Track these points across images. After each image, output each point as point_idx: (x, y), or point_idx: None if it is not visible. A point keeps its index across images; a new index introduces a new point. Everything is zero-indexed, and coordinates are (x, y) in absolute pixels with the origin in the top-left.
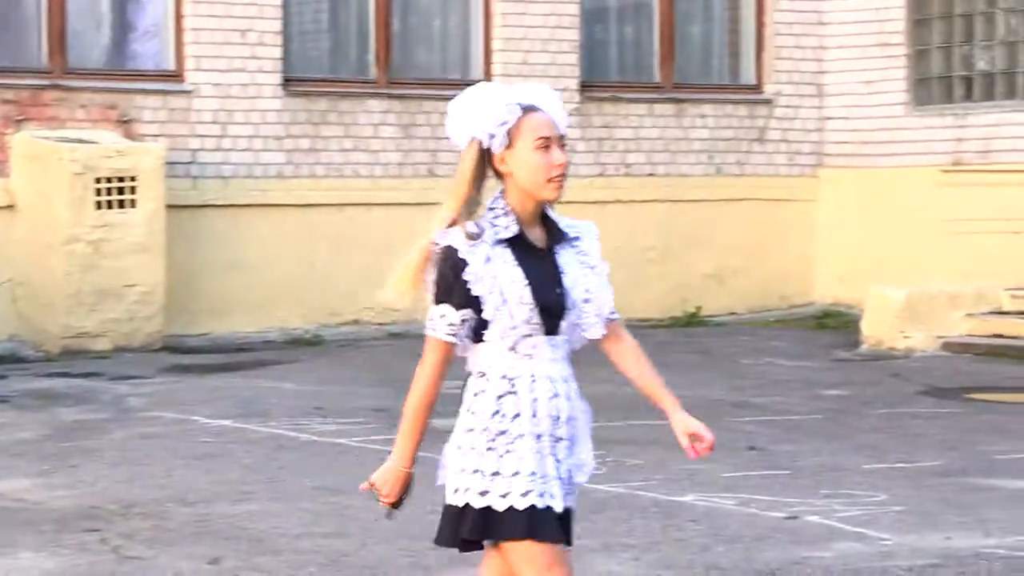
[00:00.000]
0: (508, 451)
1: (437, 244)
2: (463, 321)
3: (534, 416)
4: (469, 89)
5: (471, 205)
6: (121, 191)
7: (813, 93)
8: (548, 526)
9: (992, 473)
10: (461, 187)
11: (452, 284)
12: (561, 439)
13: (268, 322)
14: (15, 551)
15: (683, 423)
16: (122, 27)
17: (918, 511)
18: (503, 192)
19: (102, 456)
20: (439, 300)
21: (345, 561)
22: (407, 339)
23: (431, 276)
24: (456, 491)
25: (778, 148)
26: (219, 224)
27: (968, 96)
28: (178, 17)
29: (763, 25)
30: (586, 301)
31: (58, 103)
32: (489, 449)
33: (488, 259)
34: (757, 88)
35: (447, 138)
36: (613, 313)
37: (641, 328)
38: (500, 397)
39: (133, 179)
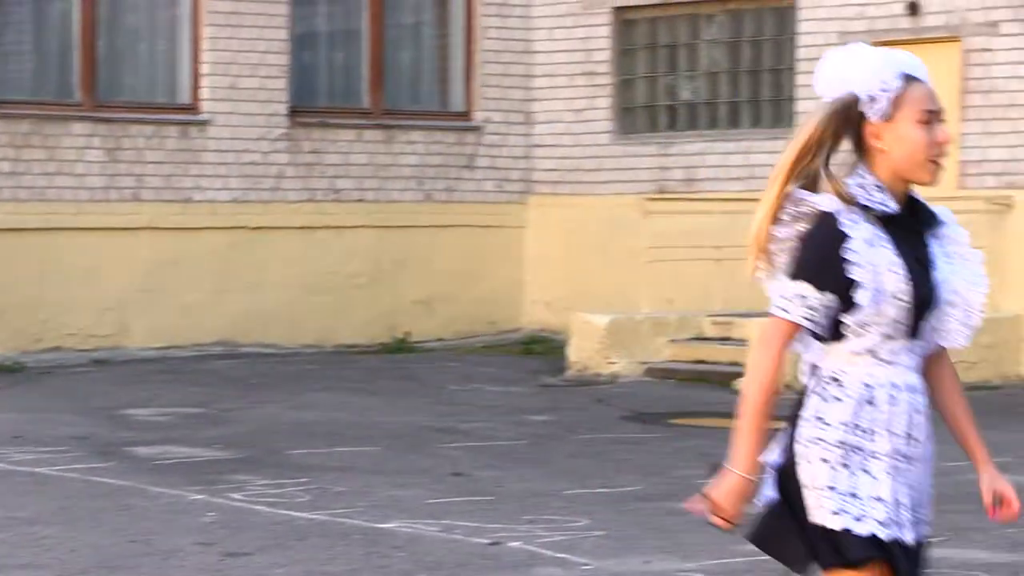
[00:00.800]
0: (864, 470)
1: (804, 201)
2: (824, 307)
3: (892, 433)
4: (851, 45)
5: (806, 174)
6: None
7: (521, 120)
8: (902, 561)
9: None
10: (803, 149)
11: (824, 258)
12: (912, 459)
13: None
14: None
15: (991, 480)
16: None
17: (619, 535)
18: (865, 168)
19: None
20: (798, 275)
21: None
22: (111, 365)
23: (788, 239)
24: (812, 507)
25: (487, 175)
26: None
27: (672, 125)
28: None
29: (472, 53)
30: (951, 303)
31: None
32: (843, 465)
33: (870, 238)
34: (466, 115)
35: (153, 163)
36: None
37: (348, 354)
38: (858, 408)
39: None
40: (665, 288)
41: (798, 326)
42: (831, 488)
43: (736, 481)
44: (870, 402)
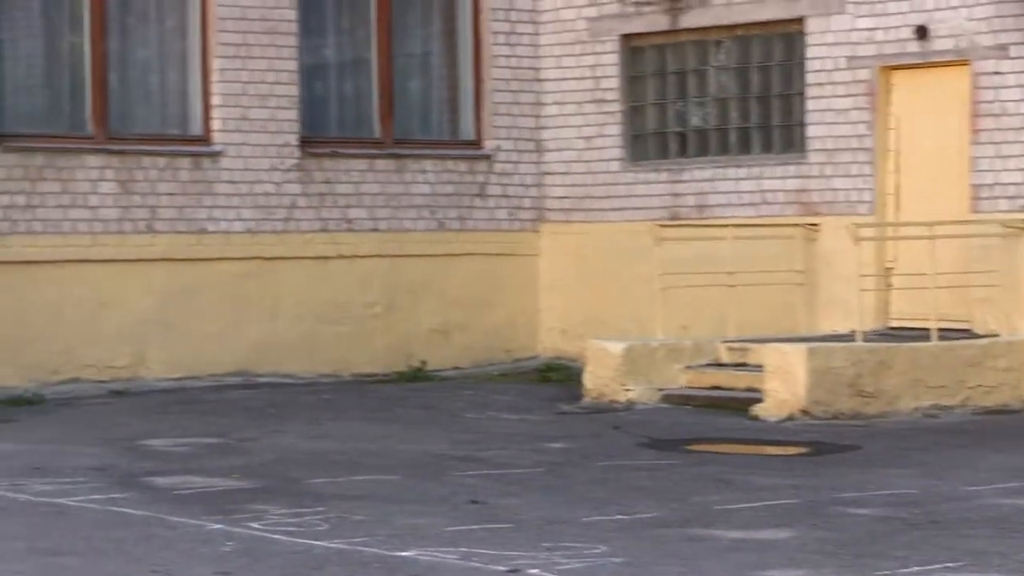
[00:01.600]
0: None
1: None
2: None
3: None
4: None
5: None
6: None
7: (532, 148)
8: None
9: (711, 523)
10: None
11: None
12: None
13: None
14: None
15: None
16: None
17: (637, 562)
18: None
19: None
20: None
21: None
22: (128, 396)
23: None
24: None
25: (499, 203)
26: None
27: (683, 152)
28: None
29: (481, 81)
30: None
31: None
32: None
33: None
34: (477, 144)
35: (166, 194)
36: None
37: (365, 383)
38: None
39: None
40: (679, 314)
41: None
42: None
43: None
44: None
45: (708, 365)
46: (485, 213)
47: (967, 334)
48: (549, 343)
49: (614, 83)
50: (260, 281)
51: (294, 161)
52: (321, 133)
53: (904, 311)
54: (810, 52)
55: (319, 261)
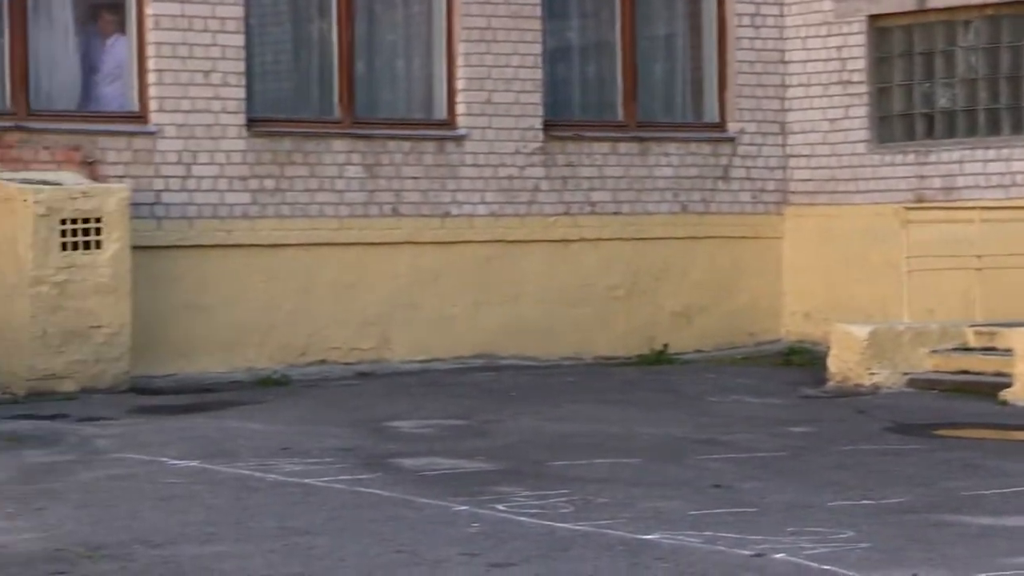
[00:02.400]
0: None
1: None
2: None
3: None
4: None
5: None
6: (86, 232)
7: (776, 131)
8: None
9: (959, 509)
10: None
11: None
12: None
13: (235, 362)
14: None
15: None
16: (86, 69)
17: (884, 548)
18: None
19: (68, 498)
20: None
21: None
22: (373, 378)
23: None
24: None
25: (743, 186)
26: (185, 265)
27: (930, 134)
28: (141, 59)
29: (725, 63)
30: None
31: (22, 145)
32: None
33: None
34: (720, 126)
35: (411, 178)
36: None
37: (608, 366)
38: None
39: (98, 220)
40: (925, 298)
41: None
42: None
43: None
44: None
45: (955, 349)
46: (728, 196)
47: None
48: (792, 326)
49: (860, 64)
50: (503, 264)
51: (537, 144)
52: (564, 116)
53: None
54: None
55: (561, 244)
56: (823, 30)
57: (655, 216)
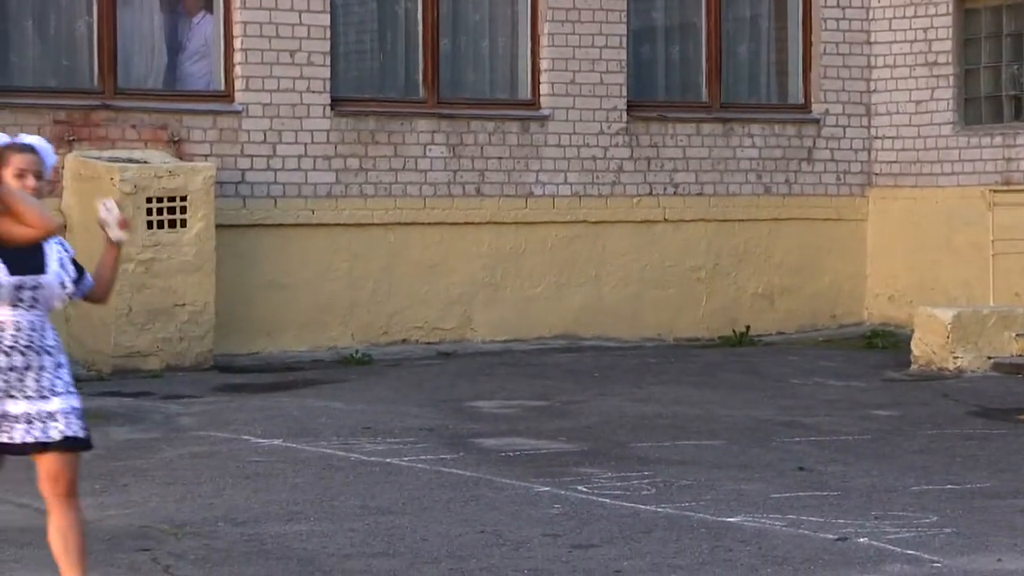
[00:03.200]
0: None
1: None
2: None
3: None
4: None
5: None
6: (172, 211)
7: (861, 112)
8: None
9: None
10: None
11: None
12: None
13: (318, 341)
14: None
15: None
16: (172, 48)
17: (969, 533)
18: None
19: (153, 475)
20: None
21: None
22: (455, 358)
23: None
24: None
25: (827, 168)
26: (269, 243)
27: (1017, 116)
28: (228, 38)
29: (810, 44)
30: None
31: (109, 123)
32: None
33: None
34: (805, 107)
35: (494, 158)
36: None
37: (690, 348)
38: None
39: (183, 199)
40: (1011, 281)
41: None
42: None
43: None
44: None
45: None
46: (812, 178)
47: None
48: (875, 309)
49: (947, 46)
50: (585, 245)
51: (621, 125)
52: (648, 97)
53: None
54: None
55: (644, 225)
56: (910, 11)
57: (738, 197)
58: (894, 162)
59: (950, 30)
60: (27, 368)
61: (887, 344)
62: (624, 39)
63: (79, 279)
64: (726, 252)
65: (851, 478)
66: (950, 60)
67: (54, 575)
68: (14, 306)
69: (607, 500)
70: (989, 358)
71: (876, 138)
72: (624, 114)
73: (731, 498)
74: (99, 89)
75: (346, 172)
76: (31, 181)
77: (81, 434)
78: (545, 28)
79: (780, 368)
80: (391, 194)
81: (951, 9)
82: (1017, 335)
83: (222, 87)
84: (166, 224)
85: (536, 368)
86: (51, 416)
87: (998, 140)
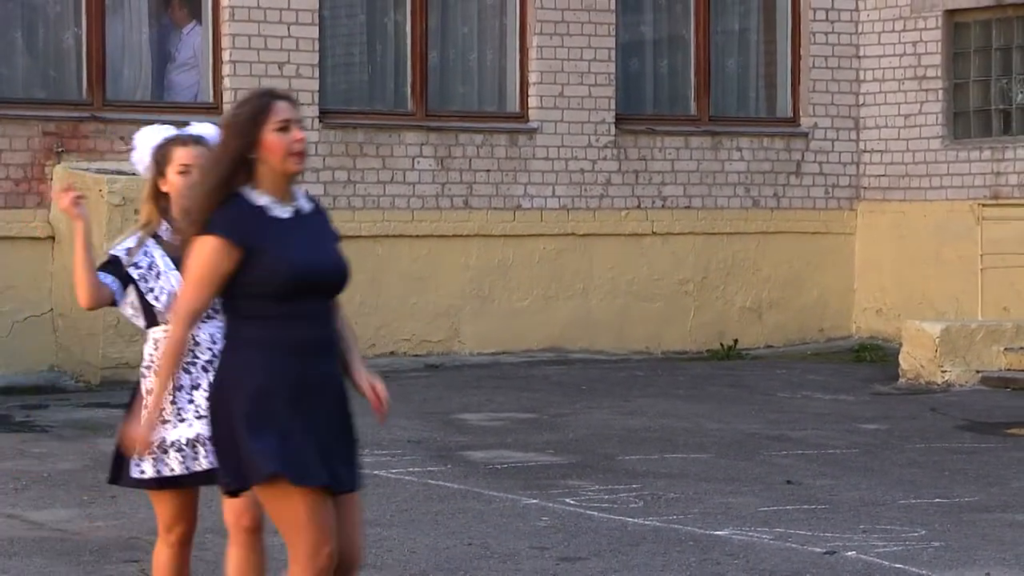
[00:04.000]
0: None
1: None
2: None
3: None
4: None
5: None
6: None
7: (850, 126)
8: None
9: None
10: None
11: None
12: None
13: None
14: None
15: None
16: (161, 60)
17: (957, 546)
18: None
19: None
20: None
21: None
22: (444, 371)
23: None
24: None
25: (815, 181)
26: None
27: (1006, 130)
28: (216, 50)
29: (799, 58)
30: None
31: (97, 135)
32: None
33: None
34: (793, 121)
35: (482, 171)
36: None
37: (677, 361)
38: None
39: None
40: (999, 295)
41: None
42: None
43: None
44: None
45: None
46: (801, 191)
47: None
48: (863, 323)
49: (936, 59)
50: (573, 257)
51: (609, 138)
52: (637, 110)
53: None
54: None
55: (632, 238)
56: (899, 25)
57: (726, 211)
58: (883, 176)
59: (939, 44)
60: (200, 386)
61: (875, 358)
62: (613, 52)
63: None
64: (714, 265)
65: (839, 491)
66: (939, 74)
67: None
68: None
69: (595, 513)
70: (977, 372)
71: (865, 151)
72: (612, 127)
73: (719, 511)
74: (88, 100)
75: (334, 184)
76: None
77: None
78: (534, 41)
79: (768, 381)
80: (379, 206)
81: (940, 23)
82: (1005, 349)
83: (211, 99)
84: None
85: (524, 381)
86: (205, 439)
87: (987, 154)
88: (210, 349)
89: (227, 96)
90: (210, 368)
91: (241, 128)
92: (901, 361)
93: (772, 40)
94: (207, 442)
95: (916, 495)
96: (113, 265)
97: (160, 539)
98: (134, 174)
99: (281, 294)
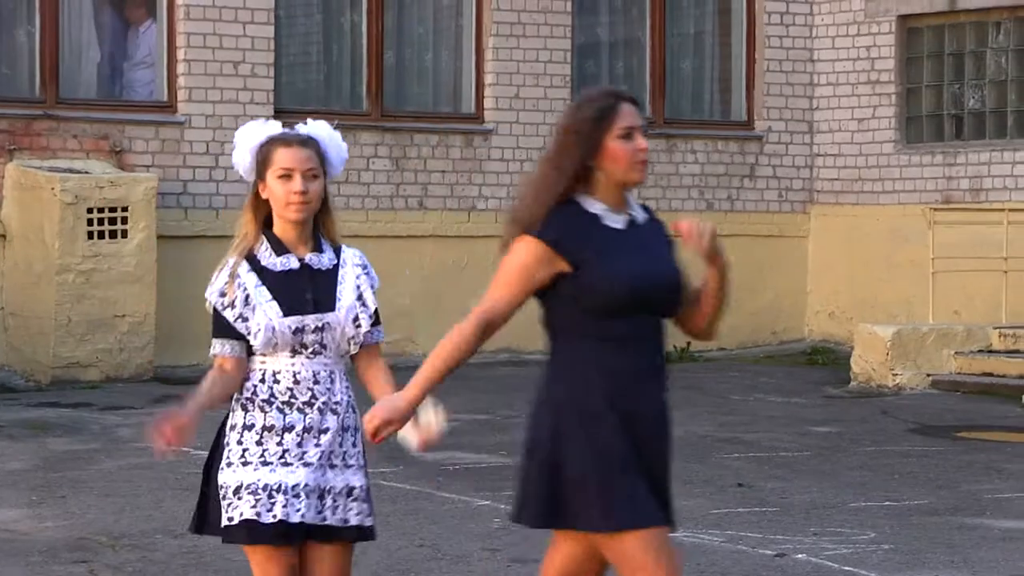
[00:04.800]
0: None
1: None
2: None
3: None
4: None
5: None
6: (113, 221)
7: (804, 130)
8: None
9: (981, 512)
10: None
11: None
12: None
13: None
14: None
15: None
16: (115, 58)
17: (907, 549)
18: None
19: (91, 487)
20: None
21: None
22: (398, 372)
23: None
24: None
25: (769, 184)
26: (210, 255)
27: (958, 135)
28: (171, 49)
29: (754, 61)
30: None
31: (50, 133)
32: None
33: None
34: (748, 124)
35: (438, 171)
36: None
37: None
38: None
39: (125, 209)
40: (951, 299)
41: None
42: None
43: None
44: None
45: (980, 351)
46: (755, 194)
47: None
48: (816, 326)
49: (889, 64)
50: None
51: None
52: None
53: None
54: None
55: None
56: (853, 29)
57: (681, 213)
58: (836, 179)
59: (893, 49)
60: (307, 430)
61: (827, 361)
62: (568, 54)
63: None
64: None
65: (790, 494)
66: (892, 79)
67: None
68: (294, 353)
69: None
70: (928, 375)
71: (818, 155)
72: None
73: None
74: (41, 99)
75: None
76: (298, 185)
77: (368, 522)
78: (490, 42)
79: (721, 384)
80: (335, 207)
81: (894, 28)
82: (956, 353)
83: (165, 98)
84: (107, 234)
85: (478, 382)
86: (332, 494)
87: (939, 159)
88: (310, 390)
89: (182, 95)
90: (326, 410)
91: (585, 134)
92: (853, 364)
93: (727, 43)
94: (329, 494)
95: (866, 498)
96: (221, 325)
97: None
98: (87, 172)
99: (609, 310)
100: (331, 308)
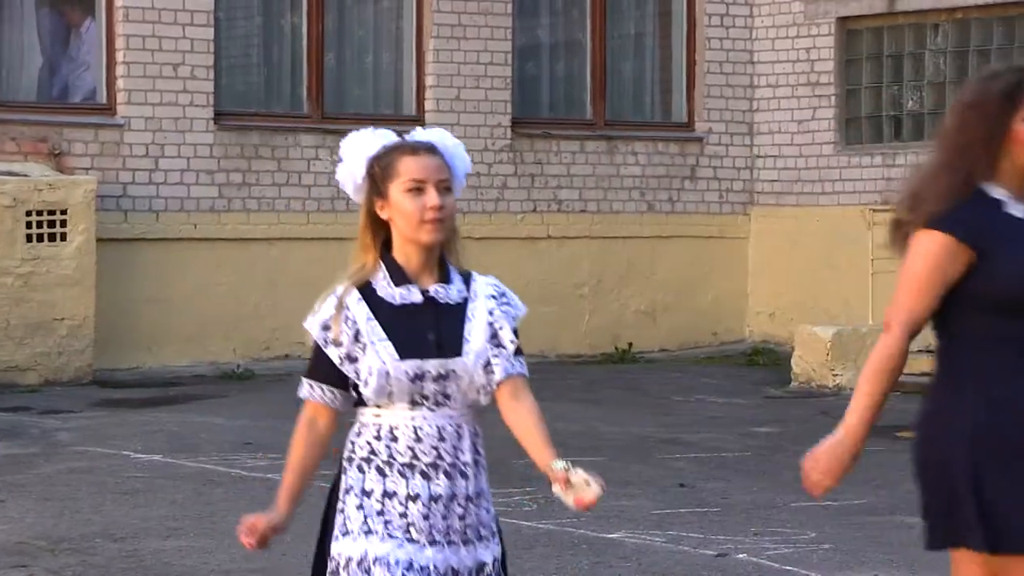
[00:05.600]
0: None
1: None
2: None
3: None
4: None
5: None
6: (52, 224)
7: (744, 131)
8: None
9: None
10: None
11: None
12: None
13: (199, 356)
14: None
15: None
16: (54, 60)
17: (846, 549)
18: None
19: (30, 491)
20: None
21: None
22: None
23: None
24: None
25: (709, 186)
26: (150, 257)
27: (897, 136)
28: (110, 51)
29: (694, 63)
30: None
31: None
32: None
33: None
34: (688, 126)
35: None
36: None
37: (572, 365)
38: None
39: (64, 212)
40: (890, 300)
41: None
42: None
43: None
44: None
45: (919, 351)
46: (695, 196)
47: None
48: (757, 327)
49: (829, 66)
50: (469, 261)
51: (505, 142)
52: (533, 114)
53: None
54: None
55: (528, 241)
56: (792, 31)
57: (622, 215)
58: (776, 181)
59: (832, 50)
60: (434, 499)
61: (768, 362)
62: (509, 56)
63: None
64: (609, 269)
65: (731, 494)
66: (832, 80)
67: None
68: (413, 404)
69: None
70: None
71: (759, 157)
72: (509, 131)
73: (612, 514)
74: None
75: (229, 187)
76: (434, 198)
77: None
78: (430, 44)
79: (662, 385)
80: (274, 209)
81: (833, 30)
82: None
83: (104, 100)
84: (46, 238)
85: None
86: (469, 572)
87: (878, 160)
88: (435, 449)
89: (121, 97)
90: (455, 473)
91: (993, 109)
92: (793, 365)
93: (667, 45)
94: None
95: (807, 498)
96: (321, 365)
97: None
98: (26, 175)
99: (1014, 308)
100: (457, 352)
